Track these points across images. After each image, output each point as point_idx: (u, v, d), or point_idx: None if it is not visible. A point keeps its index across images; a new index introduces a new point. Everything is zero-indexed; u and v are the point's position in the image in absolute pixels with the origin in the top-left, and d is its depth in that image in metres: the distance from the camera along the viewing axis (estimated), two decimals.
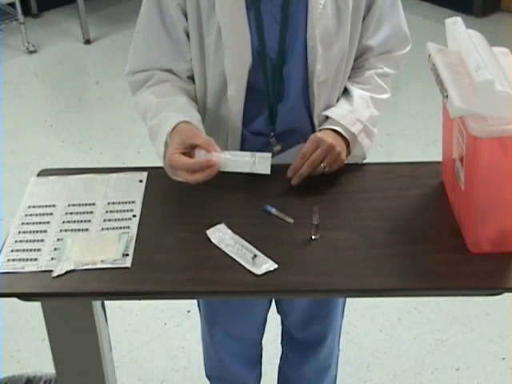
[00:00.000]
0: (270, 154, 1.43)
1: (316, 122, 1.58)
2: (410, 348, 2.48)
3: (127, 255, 1.37)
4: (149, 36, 1.54)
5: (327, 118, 1.57)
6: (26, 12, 4.55)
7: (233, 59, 1.48)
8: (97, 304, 1.44)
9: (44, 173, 1.61)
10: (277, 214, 1.45)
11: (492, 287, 1.33)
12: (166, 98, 1.52)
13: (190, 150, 1.42)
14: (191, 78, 1.58)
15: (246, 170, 1.41)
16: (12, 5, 4.36)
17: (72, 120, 3.76)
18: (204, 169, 1.39)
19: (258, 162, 1.41)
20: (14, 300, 1.36)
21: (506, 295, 1.35)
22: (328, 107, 1.57)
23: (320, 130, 1.55)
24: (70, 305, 1.41)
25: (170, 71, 1.56)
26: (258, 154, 1.42)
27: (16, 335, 2.55)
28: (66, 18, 4.77)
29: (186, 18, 1.50)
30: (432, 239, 1.40)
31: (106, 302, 1.51)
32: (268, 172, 1.41)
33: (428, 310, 2.61)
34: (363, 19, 1.54)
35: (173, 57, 1.54)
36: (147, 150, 3.43)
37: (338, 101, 1.60)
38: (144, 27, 1.55)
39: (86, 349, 1.47)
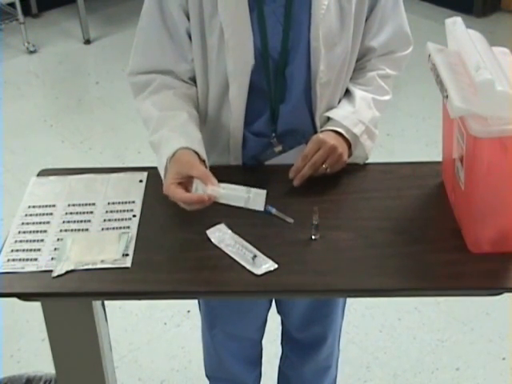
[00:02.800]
0: (265, 192, 1.39)
1: (318, 122, 1.58)
2: (410, 348, 2.48)
3: (127, 255, 1.37)
4: (150, 36, 1.54)
5: (329, 118, 1.57)
6: (26, 12, 4.54)
7: (235, 60, 1.47)
8: (97, 304, 1.44)
9: (44, 173, 1.61)
10: (277, 213, 1.45)
11: (492, 287, 1.33)
12: (167, 113, 1.51)
13: (187, 180, 1.40)
14: (192, 80, 1.57)
15: (241, 204, 1.39)
16: (12, 5, 4.35)
17: (72, 120, 3.76)
18: (197, 203, 1.37)
19: (253, 199, 1.38)
20: (14, 300, 1.36)
21: (506, 295, 1.35)
22: (330, 108, 1.57)
23: (322, 131, 1.54)
24: (70, 305, 1.41)
25: (171, 73, 1.55)
26: (253, 190, 1.38)
27: (16, 335, 2.55)
28: (66, 18, 4.77)
29: (188, 19, 1.50)
30: (432, 239, 1.40)
31: (106, 302, 1.51)
32: (261, 209, 1.38)
33: (428, 309, 2.61)
34: (366, 20, 1.54)
35: (174, 58, 1.54)
36: (147, 150, 3.40)
37: (339, 102, 1.60)
38: (145, 27, 1.54)
39: (86, 349, 1.47)
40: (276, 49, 1.49)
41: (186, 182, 1.40)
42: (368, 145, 1.58)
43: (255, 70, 1.50)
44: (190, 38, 1.52)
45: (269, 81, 1.52)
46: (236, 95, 1.51)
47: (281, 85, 1.53)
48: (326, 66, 1.50)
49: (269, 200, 1.49)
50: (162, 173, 1.45)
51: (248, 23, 1.46)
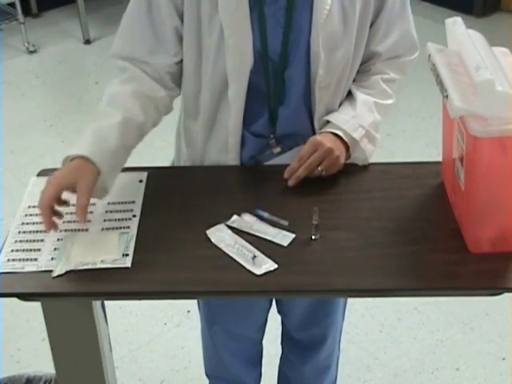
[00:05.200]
0: (293, 236, 1.40)
1: (317, 125, 1.57)
2: (410, 348, 2.48)
3: (127, 255, 1.37)
4: (134, 24, 1.53)
5: (328, 121, 1.56)
6: (26, 12, 4.54)
7: (234, 60, 1.47)
8: (97, 304, 1.44)
9: (44, 173, 1.61)
10: (269, 217, 1.44)
11: (492, 287, 1.33)
12: (106, 108, 1.50)
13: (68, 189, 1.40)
14: (172, 76, 1.55)
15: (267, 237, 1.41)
16: (12, 5, 4.35)
17: (72, 120, 3.76)
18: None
19: (280, 237, 1.40)
20: (14, 300, 1.36)
21: (506, 295, 1.35)
22: (329, 111, 1.57)
23: (320, 133, 1.54)
24: (70, 305, 1.41)
25: (145, 64, 1.53)
26: (283, 232, 1.41)
27: (16, 335, 2.55)
28: (65, 18, 4.77)
29: (180, 18, 1.49)
30: (432, 239, 1.40)
31: (106, 302, 1.51)
32: (284, 245, 1.39)
33: (428, 309, 2.61)
34: (371, 25, 1.53)
35: (153, 49, 1.52)
36: (147, 150, 3.41)
37: (340, 104, 1.59)
38: (131, 15, 1.53)
39: (86, 349, 1.47)
40: (276, 51, 1.49)
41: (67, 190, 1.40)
42: (369, 149, 1.57)
43: (254, 72, 1.50)
44: (177, 34, 1.51)
45: (268, 83, 1.52)
46: (235, 95, 1.51)
47: (280, 87, 1.52)
48: (325, 71, 1.50)
49: (269, 200, 1.50)
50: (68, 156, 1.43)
51: (248, 24, 1.45)
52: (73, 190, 1.39)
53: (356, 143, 1.54)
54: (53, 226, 1.39)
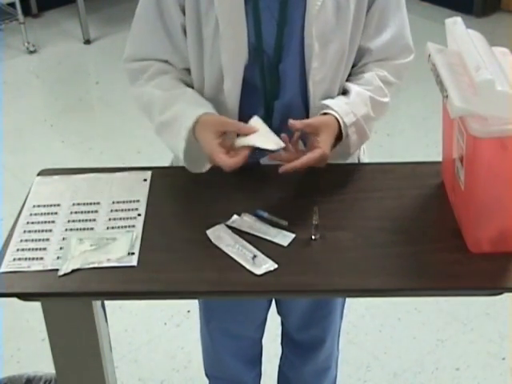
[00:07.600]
0: (293, 235, 1.41)
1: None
2: (410, 348, 2.48)
3: (133, 254, 1.37)
4: (146, 27, 1.54)
5: (325, 114, 1.54)
6: (26, 12, 4.55)
7: (229, 52, 1.47)
8: (97, 304, 1.44)
9: (44, 173, 1.61)
10: (269, 217, 1.45)
11: (492, 287, 1.33)
12: (172, 91, 1.52)
13: (223, 138, 1.44)
14: (187, 70, 1.58)
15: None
16: (12, 5, 4.36)
17: (72, 120, 3.76)
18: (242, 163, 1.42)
19: (280, 236, 1.42)
20: (14, 300, 1.36)
21: (506, 295, 1.35)
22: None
23: (325, 131, 1.50)
24: (70, 305, 1.41)
25: (166, 62, 1.56)
26: (283, 232, 1.43)
27: (16, 335, 2.55)
28: (65, 18, 4.78)
29: (183, 14, 1.50)
30: (432, 239, 1.40)
31: (106, 302, 1.51)
32: (284, 245, 1.40)
33: (428, 309, 2.61)
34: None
35: (169, 49, 1.54)
36: (147, 150, 3.43)
37: None
38: (142, 18, 1.55)
39: (86, 349, 1.47)
40: (270, 44, 1.49)
41: (223, 142, 1.43)
42: (354, 140, 1.52)
43: (249, 65, 1.50)
44: (184, 32, 1.52)
45: (263, 76, 1.51)
46: (230, 88, 1.51)
47: (275, 81, 1.52)
48: (319, 64, 1.49)
49: (269, 200, 1.50)
50: (180, 147, 1.47)
51: (243, 15, 1.46)
52: (223, 133, 1.45)
53: (345, 128, 1.49)
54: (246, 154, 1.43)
